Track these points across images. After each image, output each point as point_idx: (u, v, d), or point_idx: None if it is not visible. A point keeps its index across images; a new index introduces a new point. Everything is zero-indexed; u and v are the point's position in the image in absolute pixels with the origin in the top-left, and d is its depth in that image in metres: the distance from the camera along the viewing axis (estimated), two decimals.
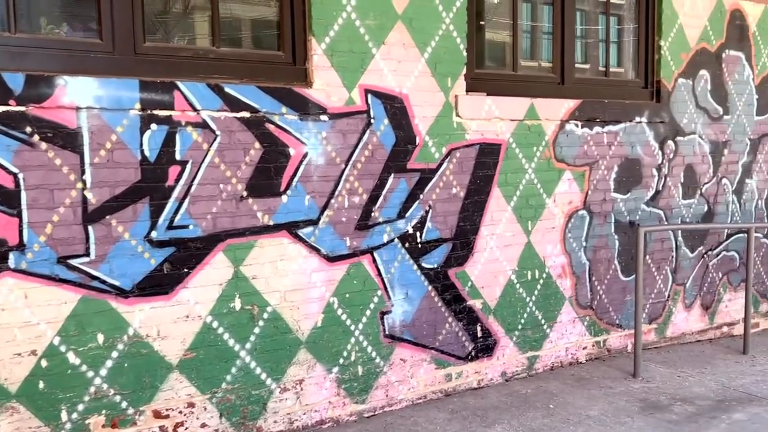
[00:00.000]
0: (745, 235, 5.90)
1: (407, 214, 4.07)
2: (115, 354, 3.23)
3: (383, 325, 4.04)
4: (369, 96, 3.86)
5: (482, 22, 4.55)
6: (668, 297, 5.48)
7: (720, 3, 5.51)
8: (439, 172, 4.19)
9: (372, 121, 3.88)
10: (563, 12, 4.73)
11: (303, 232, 3.70)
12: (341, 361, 3.89)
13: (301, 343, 3.75)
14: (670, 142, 5.33)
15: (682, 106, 5.37)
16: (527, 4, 4.84)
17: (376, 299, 3.99)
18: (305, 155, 3.67)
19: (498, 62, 4.79)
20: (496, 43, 4.77)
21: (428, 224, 4.16)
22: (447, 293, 4.29)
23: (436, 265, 4.23)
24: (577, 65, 5.04)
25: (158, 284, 3.30)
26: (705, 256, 5.70)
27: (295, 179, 3.65)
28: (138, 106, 3.19)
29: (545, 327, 4.78)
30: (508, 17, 4.61)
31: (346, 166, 3.81)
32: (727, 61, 5.63)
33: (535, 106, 4.54)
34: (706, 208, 5.64)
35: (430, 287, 4.21)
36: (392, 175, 3.99)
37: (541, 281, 4.72)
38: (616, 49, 5.42)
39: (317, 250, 3.75)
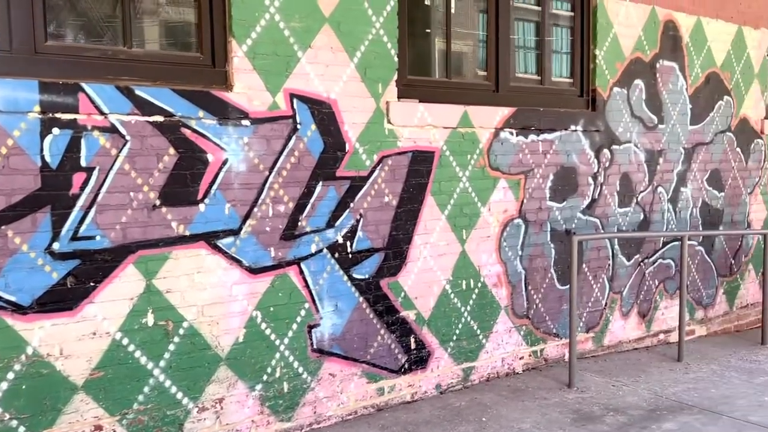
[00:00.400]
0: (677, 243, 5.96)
1: (337, 223, 3.93)
2: (11, 375, 2.97)
3: (311, 339, 3.87)
4: (295, 101, 3.71)
5: (417, 28, 4.46)
6: (605, 305, 5.46)
7: (654, 14, 5.56)
8: (370, 180, 4.05)
9: (298, 126, 3.73)
10: (497, 19, 4.68)
11: (223, 242, 3.51)
12: (265, 377, 3.71)
13: (221, 360, 3.56)
14: (605, 151, 5.33)
15: (617, 114, 5.39)
16: (461, 11, 4.76)
17: (303, 312, 3.83)
18: (225, 162, 3.49)
19: (432, 69, 4.70)
20: (430, 49, 4.68)
21: (359, 233, 4.02)
22: (379, 304, 4.15)
23: (367, 276, 4.09)
24: (518, 75, 5.01)
25: (61, 299, 3.07)
26: (642, 264, 5.72)
27: (214, 187, 3.46)
28: (37, 108, 2.96)
29: (481, 337, 4.68)
30: (442, 23, 4.52)
31: (271, 173, 3.64)
32: (661, 71, 5.68)
33: (468, 113, 4.46)
34: (642, 216, 5.66)
35: (361, 299, 4.06)
36: (321, 182, 3.84)
37: (477, 291, 4.63)
38: (555, 58, 5.40)
39: (239, 262, 3.57)
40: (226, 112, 3.47)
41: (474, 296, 4.62)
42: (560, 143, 5.02)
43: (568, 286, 5.15)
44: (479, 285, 4.64)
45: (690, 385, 4.70)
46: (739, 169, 6.50)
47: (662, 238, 5.83)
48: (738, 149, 6.47)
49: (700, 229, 6.16)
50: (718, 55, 6.15)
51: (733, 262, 6.56)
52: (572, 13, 5.20)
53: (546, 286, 5.04)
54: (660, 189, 5.80)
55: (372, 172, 4.06)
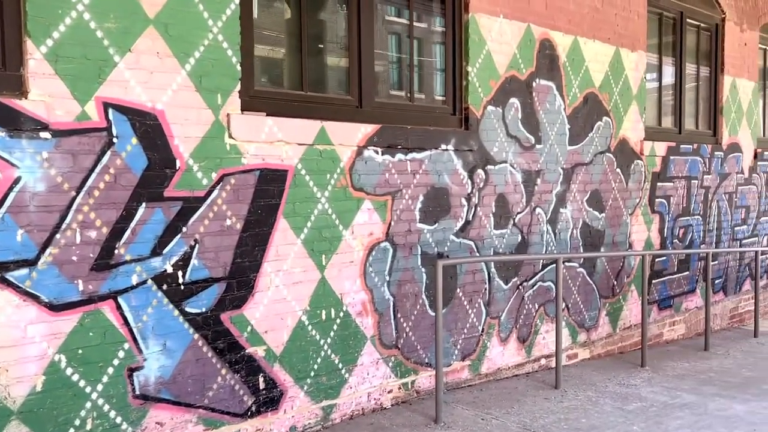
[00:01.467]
0: (562, 264, 5.80)
1: (165, 251, 3.44)
2: None
3: (132, 384, 3.35)
4: (110, 111, 3.22)
5: (267, 36, 4.07)
6: (482, 331, 5.20)
7: (529, 32, 5.41)
8: (208, 201, 3.60)
9: (115, 140, 3.24)
10: (359, 29, 4.36)
11: (13, 275, 2.95)
12: (72, 431, 3.16)
13: (12, 414, 2.98)
14: (480, 171, 5.10)
15: (492, 134, 5.18)
16: (319, 18, 4.41)
17: (121, 353, 3.30)
18: (17, 180, 2.95)
19: (285, 80, 4.31)
20: (283, 59, 4.30)
21: (194, 261, 3.55)
22: (220, 341, 3.68)
23: (204, 310, 3.61)
24: (393, 92, 4.71)
25: None
26: (520, 287, 5.50)
27: (2, 210, 2.92)
28: None
29: (344, 372, 4.28)
30: (296, 31, 4.15)
31: (78, 193, 3.13)
32: (537, 90, 5.53)
33: (326, 129, 4.09)
34: (519, 238, 5.46)
35: (196, 335, 3.58)
36: (144, 204, 3.35)
37: (339, 321, 4.24)
38: (427, 75, 5.14)
39: (35, 298, 3.02)
40: (17, 123, 2.94)
41: (336, 327, 4.22)
42: (431, 163, 4.73)
43: (441, 312, 4.85)
44: (342, 314, 4.25)
45: (562, 415, 4.47)
46: (620, 189, 6.46)
47: (541, 261, 5.65)
48: (618, 170, 6.43)
49: (581, 250, 6.04)
50: (596, 75, 6.10)
51: (615, 283, 6.48)
52: (444, 29, 4.97)
53: (417, 313, 4.71)
54: (538, 210, 5.62)
55: (210, 191, 3.61)
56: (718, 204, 7.90)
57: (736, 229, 8.30)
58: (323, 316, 4.15)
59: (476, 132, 5.04)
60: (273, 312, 3.90)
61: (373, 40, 4.45)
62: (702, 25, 7.65)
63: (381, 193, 4.43)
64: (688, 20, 7.38)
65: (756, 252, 7.74)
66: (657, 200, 6.94)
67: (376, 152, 4.38)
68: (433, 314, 4.80)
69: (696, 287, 7.64)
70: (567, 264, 5.90)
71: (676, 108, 7.35)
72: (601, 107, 6.18)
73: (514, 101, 5.33)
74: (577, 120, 5.94)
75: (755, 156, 8.59)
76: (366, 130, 4.31)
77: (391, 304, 4.54)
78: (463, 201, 4.99)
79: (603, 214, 6.27)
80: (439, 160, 4.79)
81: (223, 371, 3.70)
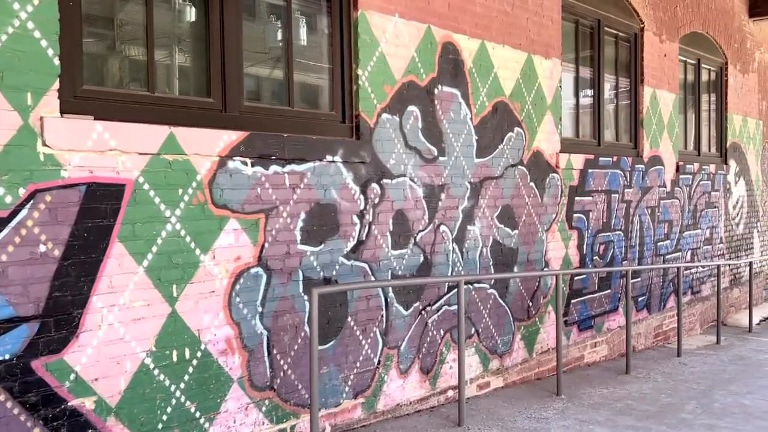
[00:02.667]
0: (470, 286, 5.31)
1: None
2: None
3: None
4: None
5: (100, 25, 3.43)
6: (379, 364, 4.63)
7: (429, 33, 4.93)
8: (12, 224, 2.92)
9: None
10: (223, 20, 3.76)
11: None
12: None
13: None
14: (374, 185, 4.56)
15: (388, 144, 4.65)
16: (171, 4, 3.79)
17: None
18: None
19: (125, 79, 3.67)
20: (123, 54, 3.66)
21: None
22: (30, 394, 2.99)
23: (7, 357, 2.92)
24: (269, 96, 4.14)
25: None
26: (423, 312, 4.97)
27: None
28: None
29: (202, 421, 3.63)
30: (142, 21, 3.53)
31: None
32: (440, 98, 5.05)
33: (177, 136, 3.47)
34: (422, 258, 4.94)
35: None
36: None
37: (196, 362, 3.59)
38: (312, 78, 4.58)
39: None
40: None
41: (192, 369, 3.57)
42: (314, 176, 4.16)
43: (329, 345, 4.27)
44: (199, 354, 3.61)
45: None
46: (534, 204, 6.04)
47: (447, 283, 5.13)
48: (532, 184, 6.01)
49: (492, 270, 5.57)
50: (506, 83, 5.67)
51: (530, 304, 6.04)
52: (330, 27, 4.43)
53: (299, 347, 4.11)
54: (443, 227, 5.12)
55: (16, 211, 2.93)
56: (640, 218, 7.61)
57: (659, 244, 8.03)
58: (174, 358, 3.50)
59: (369, 142, 4.50)
60: (106, 355, 3.23)
61: (241, 35, 3.86)
62: (620, 34, 7.38)
63: (251, 210, 3.83)
64: (606, 29, 7.08)
65: (678, 268, 7.47)
66: (575, 215, 6.56)
67: (245, 163, 3.78)
68: (320, 348, 4.21)
69: (618, 306, 7.30)
70: (476, 285, 5.42)
71: (595, 119, 7.02)
72: (512, 117, 5.75)
73: (414, 109, 4.83)
74: (486, 130, 5.48)
75: (677, 169, 8.37)
76: (230, 137, 3.70)
77: (265, 339, 3.92)
78: (355, 219, 4.43)
79: (516, 231, 5.83)
80: (325, 173, 4.23)
81: (37, 430, 3.00)
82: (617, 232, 7.21)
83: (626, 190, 7.34)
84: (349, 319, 4.41)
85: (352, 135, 4.45)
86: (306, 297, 4.10)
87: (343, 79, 4.43)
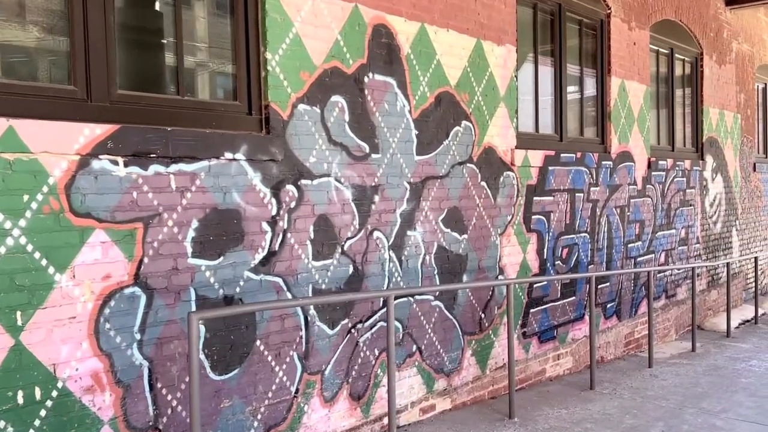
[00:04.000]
0: (411, 299, 4.71)
1: None
2: None
3: None
4: None
5: None
6: (297, 392, 4.01)
7: (357, 14, 4.31)
8: None
9: None
10: None
11: None
12: None
13: None
14: (290, 187, 3.94)
15: (307, 140, 4.03)
16: None
17: None
18: None
19: None
20: None
21: None
22: None
23: None
24: (155, 83, 3.49)
25: None
26: (353, 330, 4.36)
27: None
28: None
29: None
30: None
31: None
32: (372, 88, 4.44)
33: (17, 130, 2.83)
34: (351, 269, 4.32)
35: None
36: None
37: (50, 403, 2.96)
38: (218, 64, 3.96)
39: None
40: None
41: (45, 412, 2.94)
42: (210, 177, 3.53)
43: (231, 375, 3.65)
44: (55, 393, 2.97)
45: None
46: (486, 206, 5.45)
47: (381, 297, 4.53)
48: (483, 183, 5.41)
49: (437, 279, 4.96)
50: (451, 72, 5.06)
51: (483, 316, 5.44)
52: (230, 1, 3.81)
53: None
54: (377, 234, 4.51)
55: None
56: (608, 219, 7.04)
57: (629, 246, 7.46)
58: (21, 399, 2.87)
59: (282, 137, 3.88)
60: None
61: (113, 9, 3.22)
62: (585, 20, 6.79)
63: (125, 219, 3.19)
64: (568, 14, 6.49)
65: (649, 272, 6.90)
66: (534, 217, 5.97)
67: (114, 163, 3.15)
68: (218, 379, 3.59)
69: (585, 314, 6.72)
70: (417, 298, 4.81)
71: (557, 113, 6.43)
72: (459, 110, 5.15)
73: (339, 100, 4.21)
74: (428, 125, 4.88)
75: (649, 165, 7.81)
76: (94, 132, 3.06)
77: (146, 371, 3.29)
78: (265, 226, 3.81)
79: (465, 236, 5.23)
80: (224, 174, 3.60)
81: None
82: (582, 234, 6.63)
83: (592, 189, 6.76)
84: (259, 342, 3.79)
85: (261, 128, 3.83)
86: (201, 320, 3.48)
87: (248, 64, 3.80)
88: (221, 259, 3.59)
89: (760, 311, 10.26)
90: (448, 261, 5.08)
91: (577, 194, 6.52)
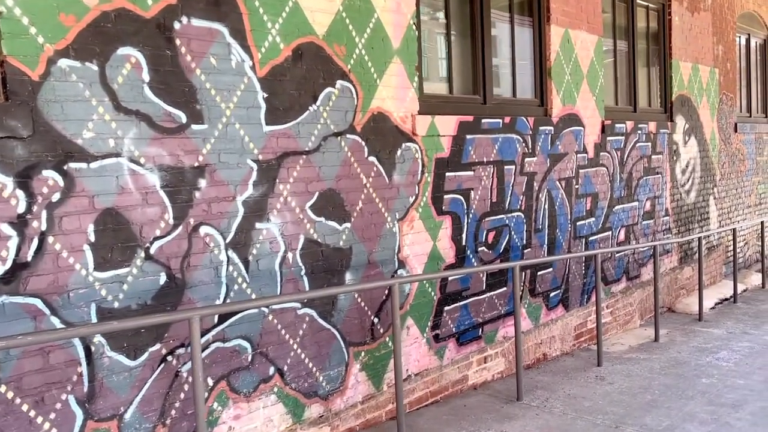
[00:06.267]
0: (264, 310, 3.66)
1: None
2: None
3: None
4: None
5: None
6: None
7: None
8: None
9: None
10: None
11: None
12: None
13: None
14: (49, 173, 2.84)
15: (77, 108, 2.92)
16: None
17: None
18: None
19: None
20: None
21: None
22: None
23: None
24: None
25: None
26: (170, 357, 3.30)
27: None
28: None
29: None
30: None
31: None
32: (187, 36, 3.30)
33: None
34: (163, 278, 3.24)
35: None
36: None
37: None
38: None
39: None
40: None
41: None
42: None
43: None
44: None
45: None
46: (378, 186, 4.34)
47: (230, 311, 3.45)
48: (373, 158, 4.29)
49: (305, 282, 3.88)
50: (317, 17, 3.91)
51: (376, 321, 4.38)
52: None
53: None
54: (206, 229, 3.42)
55: None
56: (549, 194, 5.92)
57: (578, 224, 6.36)
58: None
59: (31, 105, 2.78)
60: None
61: None
62: None
63: None
64: None
65: (595, 256, 5.80)
66: (447, 197, 4.87)
67: None
68: None
69: (521, 305, 5.66)
70: (275, 308, 3.75)
71: (478, 69, 5.27)
72: (331, 66, 4.01)
73: (132, 53, 3.09)
74: (284, 85, 3.75)
75: (603, 129, 6.65)
76: None
77: None
78: (7, 229, 2.74)
79: (347, 225, 4.14)
80: None
81: None
82: (515, 214, 5.52)
83: (527, 160, 5.63)
84: (3, 388, 2.74)
85: None
86: None
87: None
88: None
89: (742, 287, 9.19)
90: (323, 257, 4.00)
91: (506, 167, 5.39)
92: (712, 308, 8.19)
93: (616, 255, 6.95)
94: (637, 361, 5.88)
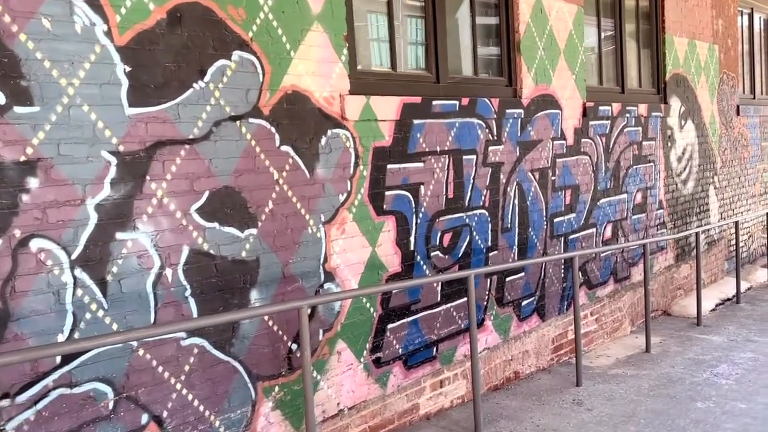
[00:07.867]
0: (132, 344, 2.86)
1: None
2: None
3: None
4: None
5: None
6: None
7: None
8: None
9: None
10: None
11: None
12: None
13: None
14: None
15: None
16: None
17: None
18: None
19: None
20: None
21: None
22: None
23: None
24: None
25: None
26: None
27: None
28: None
29: None
30: None
31: None
32: None
33: None
34: None
35: None
36: None
37: None
38: None
39: None
40: None
41: None
42: None
43: None
44: None
45: None
46: (295, 183, 3.51)
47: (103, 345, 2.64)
48: (287, 148, 3.46)
49: (190, 306, 3.07)
50: None
51: (294, 347, 3.57)
52: None
53: None
54: (39, 243, 2.59)
55: None
56: (519, 187, 5.07)
57: (556, 221, 5.51)
58: None
59: None
60: None
61: None
62: None
63: None
64: None
65: (573, 258, 4.96)
66: (389, 193, 4.03)
67: None
68: None
69: (485, 318, 4.83)
70: (150, 340, 2.93)
71: (431, 43, 4.42)
72: (225, 33, 3.17)
73: None
74: (156, 56, 2.91)
75: (585, 113, 5.78)
76: None
77: None
78: None
79: (252, 231, 3.31)
80: None
81: None
82: (477, 212, 4.68)
83: (491, 148, 4.78)
84: None
85: None
86: None
87: None
88: None
89: (746, 285, 8.33)
90: (217, 273, 3.18)
91: (465, 157, 4.55)
92: (713, 310, 7.34)
93: (602, 255, 6.10)
94: (623, 379, 5.05)
